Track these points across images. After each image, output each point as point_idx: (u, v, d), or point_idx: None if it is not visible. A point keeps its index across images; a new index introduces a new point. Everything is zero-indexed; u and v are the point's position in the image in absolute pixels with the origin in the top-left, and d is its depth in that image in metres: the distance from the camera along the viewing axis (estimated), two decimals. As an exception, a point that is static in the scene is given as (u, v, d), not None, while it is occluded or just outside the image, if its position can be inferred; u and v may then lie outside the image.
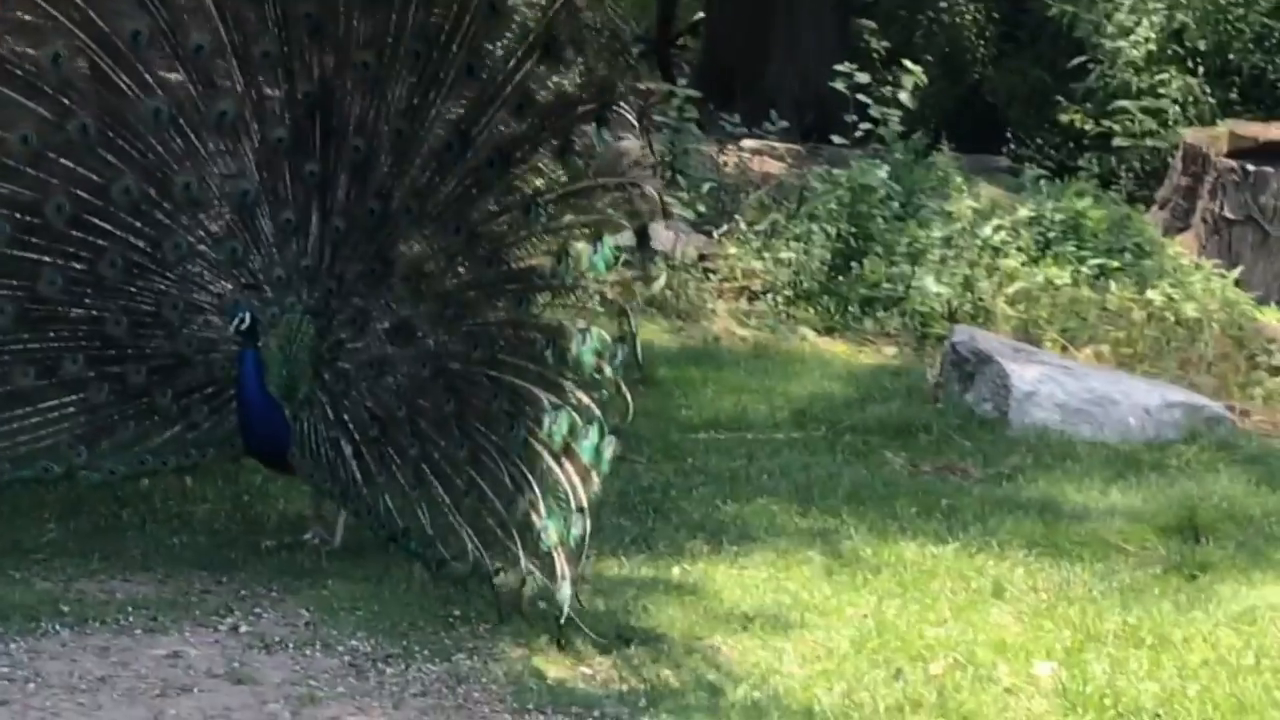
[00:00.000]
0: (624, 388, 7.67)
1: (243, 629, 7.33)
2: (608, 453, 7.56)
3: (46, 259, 7.94)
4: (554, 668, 7.15)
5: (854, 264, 13.18)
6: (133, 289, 8.08)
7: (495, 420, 7.76)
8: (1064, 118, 16.72)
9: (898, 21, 22.11)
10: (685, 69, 22.22)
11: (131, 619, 7.33)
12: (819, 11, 20.35)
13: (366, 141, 8.13)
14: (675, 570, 8.24)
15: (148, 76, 8.00)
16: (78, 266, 7.99)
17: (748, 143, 16.87)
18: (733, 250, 13.70)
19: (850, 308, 12.97)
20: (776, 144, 17.15)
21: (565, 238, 7.94)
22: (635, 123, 8.07)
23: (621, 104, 7.95)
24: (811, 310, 13.07)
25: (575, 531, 7.36)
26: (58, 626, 7.21)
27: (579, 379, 7.67)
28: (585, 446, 7.53)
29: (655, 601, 7.81)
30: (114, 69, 7.96)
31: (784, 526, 8.90)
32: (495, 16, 8.06)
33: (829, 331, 12.85)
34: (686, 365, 11.68)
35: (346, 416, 8.02)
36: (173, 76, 8.07)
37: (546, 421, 7.58)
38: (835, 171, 13.68)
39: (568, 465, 7.50)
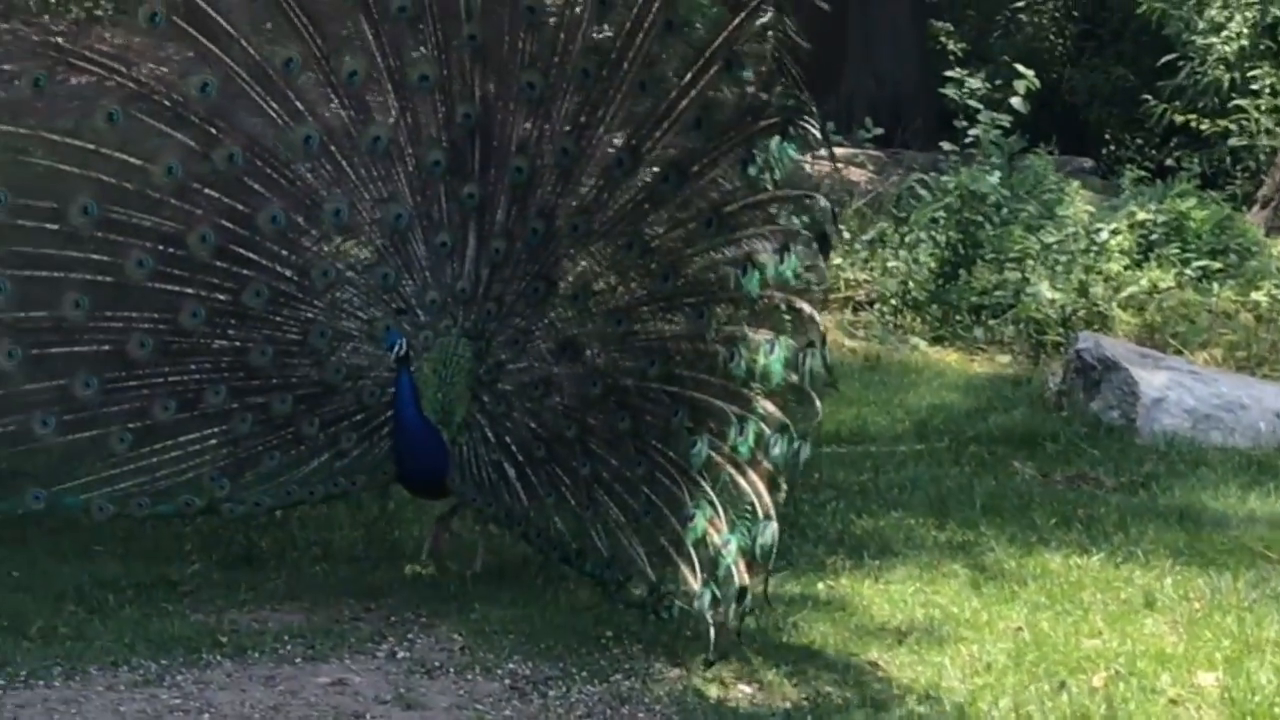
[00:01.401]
0: (814, 394, 7.58)
1: (400, 655, 7.36)
2: (800, 459, 7.48)
3: (189, 291, 7.91)
4: (714, 687, 7.14)
5: (962, 272, 13.14)
6: (278, 318, 8.03)
7: (675, 437, 7.66)
8: (1178, 118, 16.60)
9: (971, 22, 22.07)
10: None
11: (290, 648, 7.37)
12: (895, 14, 20.31)
13: (529, 161, 8.06)
14: (820, 586, 8.24)
15: (299, 104, 7.99)
16: (221, 298, 7.96)
17: (836, 150, 16.80)
18: (837, 261, 13.68)
19: (959, 316, 12.94)
20: (858, 150, 17.12)
21: (749, 249, 7.79)
22: (819, 135, 7.99)
23: (808, 117, 7.88)
24: (920, 320, 13.05)
25: (763, 540, 7.29)
26: (219, 657, 7.26)
27: (766, 388, 7.57)
28: (774, 455, 7.45)
29: (805, 618, 7.82)
30: (264, 97, 7.96)
31: (923, 540, 8.91)
32: (670, 32, 7.96)
33: (939, 341, 12.83)
34: (801, 378, 11.67)
35: (508, 438, 7.96)
36: (325, 103, 8.07)
37: (731, 434, 7.49)
38: (944, 179, 13.64)
39: (753, 476, 7.41)
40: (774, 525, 7.29)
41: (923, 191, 13.84)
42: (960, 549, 8.79)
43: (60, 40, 8.29)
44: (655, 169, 8.02)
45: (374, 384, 8.02)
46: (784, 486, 7.45)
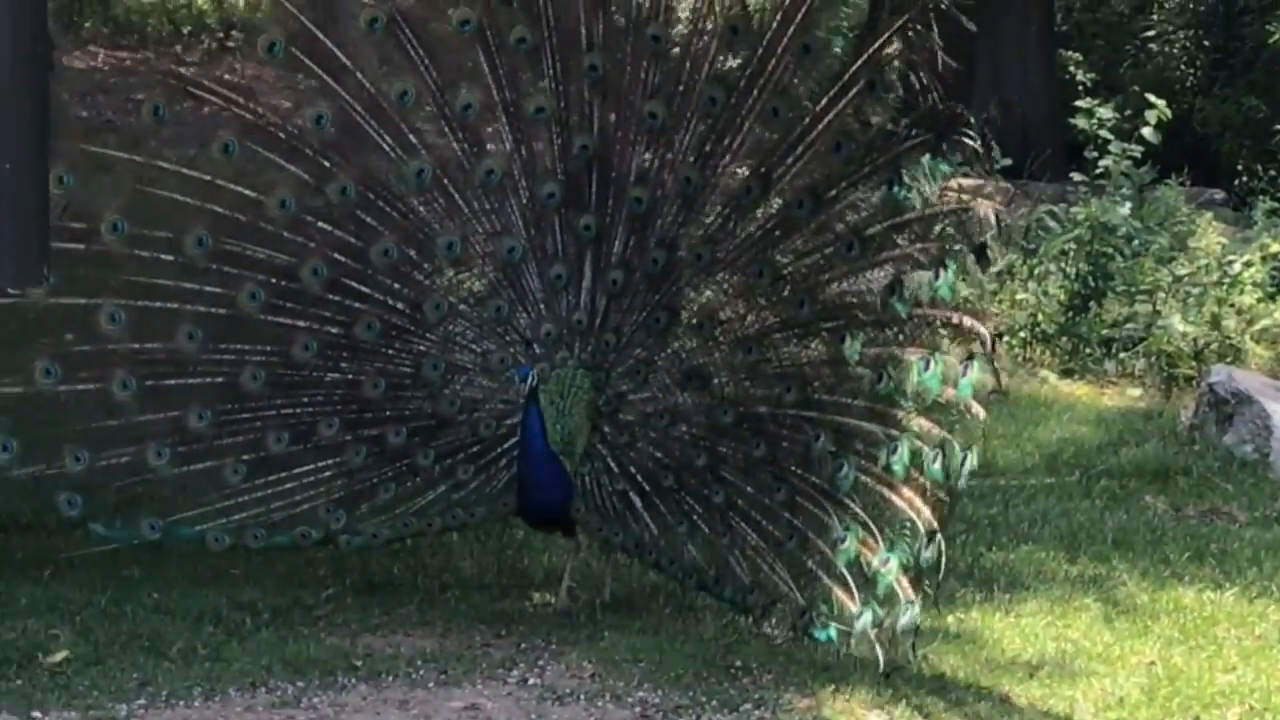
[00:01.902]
0: (976, 408, 7.51)
1: (531, 681, 7.40)
2: (965, 469, 7.39)
3: (301, 323, 7.96)
4: (844, 718, 7.14)
5: (1092, 304, 13.05)
6: (390, 351, 8.04)
7: (817, 462, 7.60)
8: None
9: (1101, 51, 21.91)
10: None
11: (423, 672, 7.42)
12: (1023, 44, 20.17)
13: (649, 192, 7.98)
14: (950, 619, 8.19)
15: (411, 137, 8.01)
16: (333, 330, 7.99)
17: (965, 181, 16.69)
18: (965, 293, 13.57)
19: (1090, 349, 12.84)
20: (985, 180, 16.99)
21: (897, 269, 7.72)
22: (978, 149, 7.92)
23: (965, 131, 7.83)
24: (1049, 352, 12.97)
25: (928, 555, 7.27)
26: (354, 680, 7.33)
27: (920, 405, 7.48)
28: (932, 470, 7.37)
29: (935, 650, 7.79)
30: (378, 130, 7.98)
31: (1054, 573, 8.86)
32: (807, 56, 7.89)
33: (1069, 374, 12.73)
34: (928, 410, 11.64)
35: (633, 468, 7.94)
36: (439, 136, 8.07)
37: (883, 455, 7.44)
38: (1073, 210, 13.56)
39: (909, 493, 7.36)
40: (940, 539, 7.26)
41: (1052, 223, 13.74)
42: (1092, 583, 8.73)
43: (181, 70, 8.35)
44: (788, 195, 7.94)
45: (489, 416, 8.02)
46: (947, 500, 7.39)
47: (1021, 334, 13.16)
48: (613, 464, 7.98)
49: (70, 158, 8.08)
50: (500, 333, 8.09)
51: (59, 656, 7.31)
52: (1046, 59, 20.50)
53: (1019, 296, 13.42)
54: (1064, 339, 12.97)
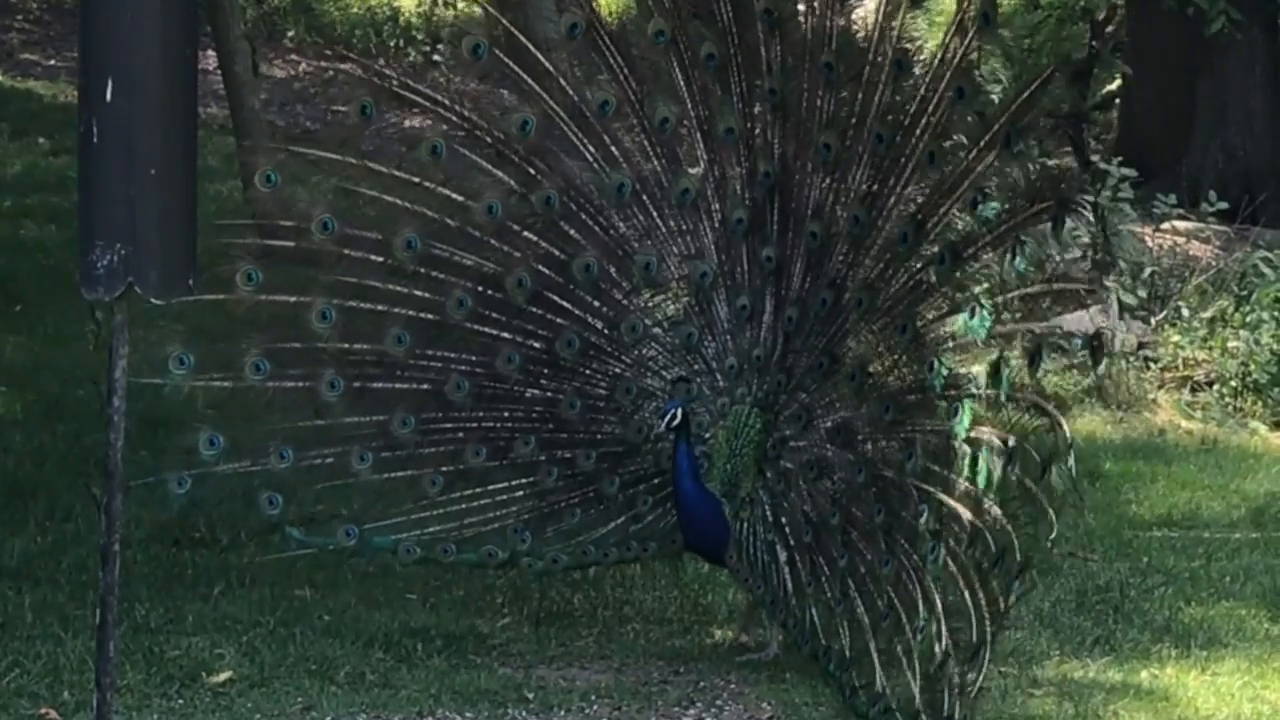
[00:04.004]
0: (1047, 502, 7.30)
1: (707, 721, 7.26)
2: (1015, 586, 7.21)
3: (505, 335, 7.87)
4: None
5: (1306, 355, 12.70)
6: (587, 370, 7.93)
7: (920, 538, 7.31)
8: None
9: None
10: (1095, 144, 21.66)
11: (596, 708, 7.31)
12: (1246, 85, 19.76)
13: (823, 228, 7.78)
14: (1143, 674, 7.94)
15: (614, 149, 7.90)
16: (535, 345, 7.89)
17: (1181, 224, 16.38)
18: (1174, 339, 13.29)
19: (1303, 402, 12.49)
20: (1203, 225, 16.64)
21: (1002, 345, 7.46)
22: (1090, 216, 7.66)
23: (1082, 200, 7.55)
24: (1260, 403, 12.61)
25: (970, 675, 7.03)
26: (524, 713, 7.23)
27: (992, 495, 7.24)
28: (994, 574, 7.17)
29: (1126, 706, 7.54)
30: (581, 139, 7.89)
31: (1254, 632, 8.54)
32: (962, 101, 7.63)
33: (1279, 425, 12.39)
34: (1132, 459, 11.33)
35: (784, 520, 7.72)
36: (638, 150, 7.96)
37: (974, 546, 7.21)
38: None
39: (980, 593, 7.14)
40: (986, 653, 7.03)
41: (1266, 270, 13.39)
42: (1293, 644, 8.42)
43: (387, 72, 8.31)
44: (934, 248, 7.69)
45: (673, 447, 7.83)
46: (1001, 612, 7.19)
47: (1232, 383, 12.82)
48: (769, 513, 7.77)
49: (274, 157, 8.05)
50: (689, 360, 7.94)
51: (223, 677, 7.30)
52: (1271, 100, 20.04)
53: (1230, 344, 13.08)
54: (1276, 390, 12.60)
